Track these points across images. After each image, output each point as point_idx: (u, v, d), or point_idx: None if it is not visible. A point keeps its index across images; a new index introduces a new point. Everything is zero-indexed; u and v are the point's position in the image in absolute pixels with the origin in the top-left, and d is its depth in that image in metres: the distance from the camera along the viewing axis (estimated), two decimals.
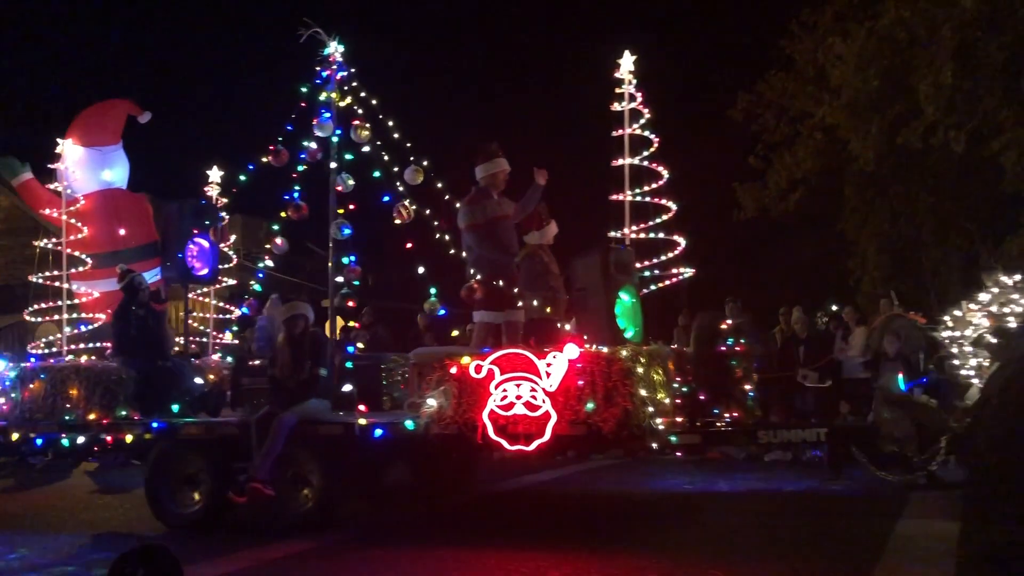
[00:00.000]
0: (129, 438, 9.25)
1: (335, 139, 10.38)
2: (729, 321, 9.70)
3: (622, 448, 8.86)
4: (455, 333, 11.73)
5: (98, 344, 10.63)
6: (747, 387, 9.21)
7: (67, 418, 9.33)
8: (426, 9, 50.07)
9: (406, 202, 9.85)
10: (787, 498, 10.32)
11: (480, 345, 9.02)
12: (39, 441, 9.73)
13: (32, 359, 10.20)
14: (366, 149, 10.32)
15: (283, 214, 10.42)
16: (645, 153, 10.02)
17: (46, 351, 10.82)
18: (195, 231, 10.77)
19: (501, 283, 9.10)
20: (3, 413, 9.62)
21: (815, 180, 21.21)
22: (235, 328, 12.43)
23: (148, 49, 53.01)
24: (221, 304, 12.63)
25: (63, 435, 9.45)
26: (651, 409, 7.82)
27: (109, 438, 9.39)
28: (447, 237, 9.71)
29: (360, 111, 10.38)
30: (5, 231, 22.39)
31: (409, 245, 9.89)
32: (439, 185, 9.97)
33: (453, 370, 8.15)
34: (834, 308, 15.58)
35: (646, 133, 10.01)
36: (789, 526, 8.56)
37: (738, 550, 7.62)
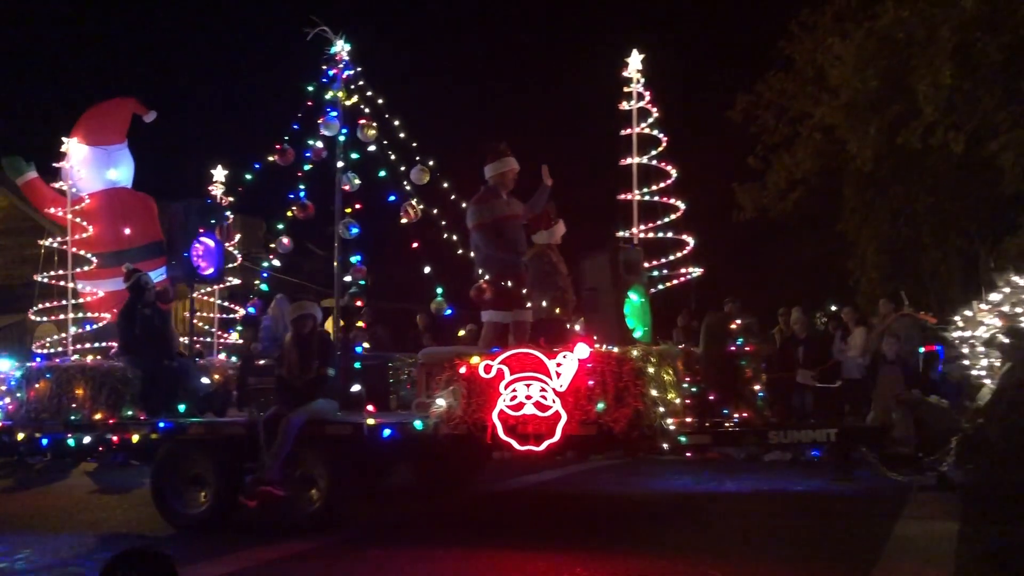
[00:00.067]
0: (135, 438, 9.21)
1: (342, 138, 10.37)
2: (739, 321, 9.67)
3: (632, 449, 8.80)
4: (462, 333, 11.70)
5: (103, 344, 10.58)
6: (756, 387, 9.19)
7: (73, 418, 9.28)
8: (432, 9, 50.10)
9: (413, 201, 9.83)
10: (787, 498, 10.31)
11: (488, 345, 8.99)
12: (45, 441, 9.69)
13: (38, 359, 10.14)
14: (372, 148, 10.31)
15: (289, 213, 10.40)
16: (653, 152, 9.99)
17: (51, 351, 10.77)
18: (201, 230, 10.72)
19: (510, 283, 9.07)
20: (9, 413, 9.58)
21: (814, 180, 21.24)
22: (239, 328, 12.41)
23: (153, 48, 53.01)
24: (225, 304, 12.59)
25: (69, 435, 9.41)
26: (662, 409, 7.77)
27: (115, 438, 9.35)
28: (454, 237, 9.69)
29: (367, 110, 10.37)
30: (4, 231, 22.29)
31: (413, 245, 9.87)
32: (445, 185, 9.95)
33: (462, 370, 8.09)
34: (833, 308, 15.61)
35: (654, 132, 9.99)
36: (789, 526, 8.54)
37: (737, 550, 7.60)
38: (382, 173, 10.10)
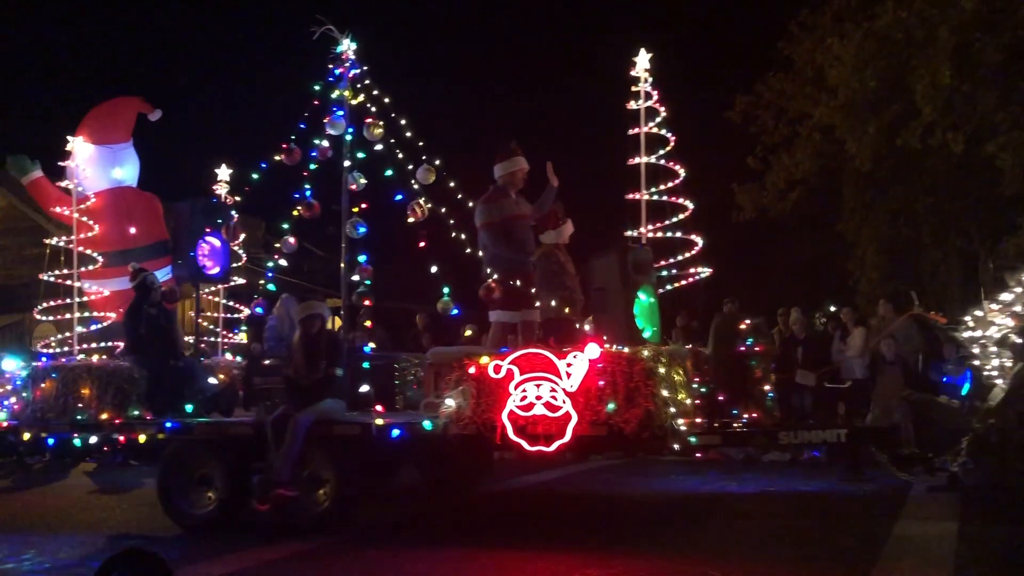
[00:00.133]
0: (142, 438, 9.17)
1: (348, 137, 10.34)
2: (748, 321, 9.65)
3: (642, 450, 8.78)
4: (468, 332, 11.67)
5: (109, 343, 10.54)
6: (766, 387, 9.16)
7: (79, 418, 9.24)
8: (437, 8, 50.04)
9: (421, 200, 9.81)
10: (787, 498, 10.29)
11: (496, 345, 8.97)
12: (51, 441, 9.65)
13: (43, 358, 10.10)
14: (379, 147, 10.28)
15: (295, 212, 10.37)
16: (661, 152, 9.97)
17: (57, 350, 10.73)
18: (207, 229, 10.68)
19: (519, 283, 9.04)
20: (15, 413, 9.54)
21: (814, 181, 21.25)
22: (244, 327, 12.36)
23: (158, 47, 52.93)
24: (230, 303, 12.55)
25: (75, 435, 9.38)
26: (673, 410, 7.75)
27: (122, 438, 9.33)
28: (463, 236, 9.66)
29: (373, 109, 10.34)
30: (3, 231, 22.24)
31: (416, 245, 9.84)
32: (451, 184, 9.92)
33: (472, 370, 8.06)
34: (832, 309, 15.61)
35: (662, 131, 9.97)
36: (789, 526, 8.53)
37: (737, 550, 7.59)
38: (389, 172, 10.07)
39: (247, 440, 8.84)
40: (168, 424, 9.00)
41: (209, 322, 12.33)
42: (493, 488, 11.22)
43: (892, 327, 11.10)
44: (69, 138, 11.06)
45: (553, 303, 9.29)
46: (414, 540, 8.43)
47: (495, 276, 9.08)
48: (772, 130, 21.95)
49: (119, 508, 10.68)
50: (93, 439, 9.33)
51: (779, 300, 15.40)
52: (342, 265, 10.27)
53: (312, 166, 10.42)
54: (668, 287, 9.83)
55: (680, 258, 9.91)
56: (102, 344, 10.62)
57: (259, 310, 10.93)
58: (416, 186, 9.90)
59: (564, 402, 7.75)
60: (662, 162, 9.97)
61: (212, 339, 12.07)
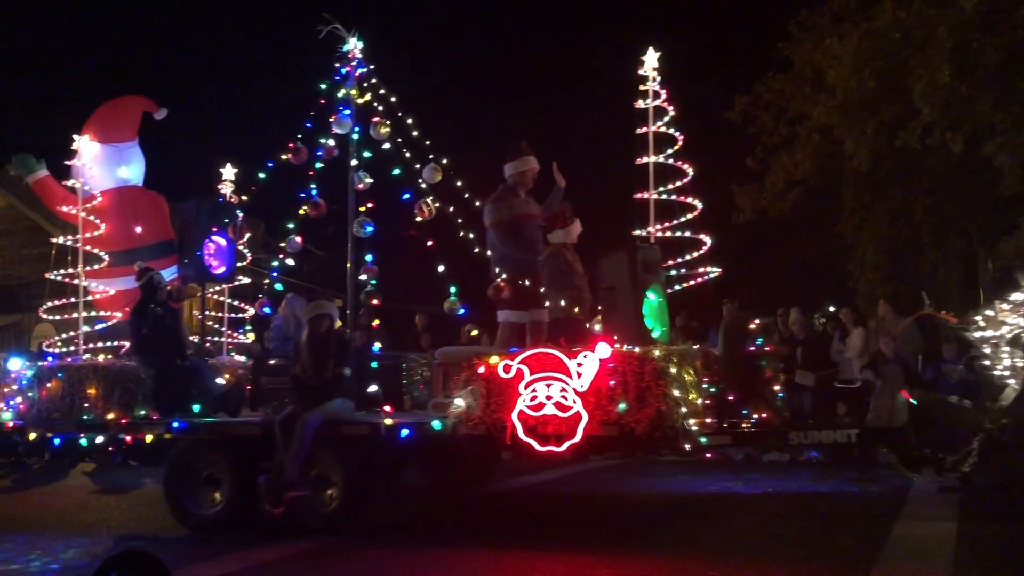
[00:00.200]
0: (149, 438, 9.14)
1: (354, 136, 10.32)
2: (758, 321, 9.63)
3: (654, 450, 8.75)
4: (475, 332, 11.64)
5: (114, 343, 10.52)
6: (776, 387, 9.13)
7: (85, 417, 9.21)
8: (444, 7, 49.98)
9: (428, 199, 9.78)
10: (787, 498, 10.26)
11: (505, 345, 8.93)
12: (57, 441, 9.62)
13: (49, 358, 10.07)
14: (386, 146, 10.26)
15: (302, 211, 10.35)
16: (669, 151, 9.95)
17: (62, 350, 10.69)
18: (213, 229, 10.65)
19: (527, 282, 9.01)
20: (20, 412, 9.50)
21: (813, 182, 21.19)
22: (248, 327, 12.33)
23: (164, 46, 52.91)
24: (236, 303, 12.52)
25: (81, 435, 9.35)
26: (684, 410, 7.71)
27: (128, 438, 9.29)
28: (470, 235, 9.63)
29: (379, 108, 10.31)
30: (3, 231, 22.23)
31: (412, 244, 9.82)
32: (458, 183, 9.89)
33: (481, 370, 8.03)
34: (832, 309, 15.57)
35: (670, 131, 9.94)
36: (788, 526, 8.51)
37: (737, 550, 7.56)
38: (396, 171, 10.05)
39: (254, 440, 8.80)
40: (175, 424, 8.96)
41: (214, 321, 12.30)
42: (492, 488, 11.19)
43: (902, 327, 11.08)
44: (75, 137, 11.04)
45: (562, 303, 9.25)
46: (415, 540, 8.41)
47: (503, 276, 9.04)
48: (772, 131, 21.91)
49: (119, 508, 10.66)
50: (99, 439, 9.28)
51: (779, 300, 15.36)
52: (348, 265, 10.24)
53: (318, 165, 10.39)
54: (677, 287, 9.79)
55: (688, 257, 9.87)
56: (107, 344, 10.59)
57: (266, 310, 10.89)
58: (423, 185, 9.87)
59: (575, 402, 7.72)
60: (670, 161, 9.94)
61: (217, 339, 12.03)
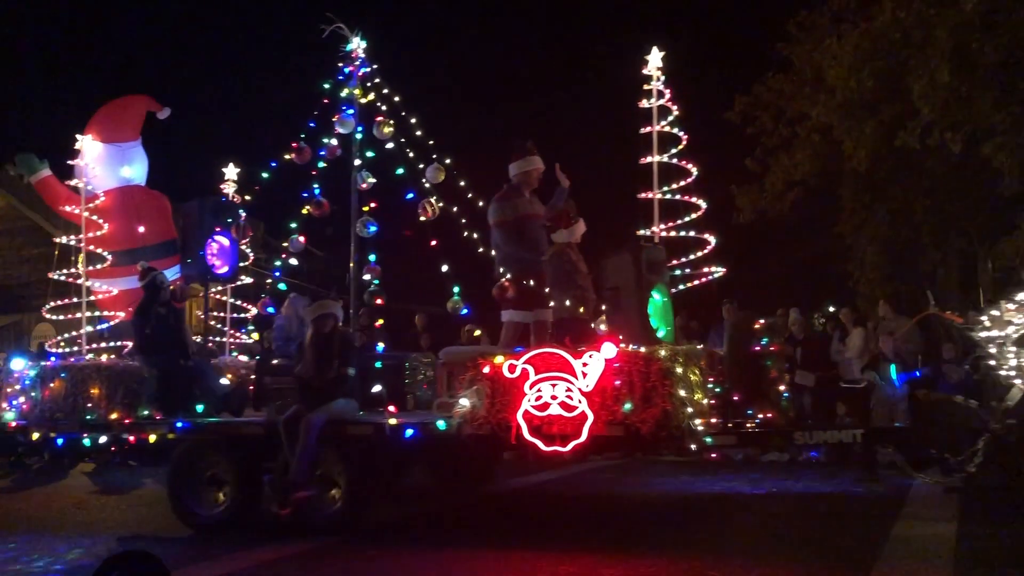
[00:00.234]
0: (152, 438, 9.11)
1: (358, 136, 10.30)
2: (762, 321, 9.62)
3: (659, 450, 8.73)
4: (478, 332, 11.62)
5: (117, 343, 10.50)
6: (781, 388, 9.13)
7: (88, 418, 9.18)
8: (447, 7, 49.93)
9: (432, 199, 9.76)
10: (787, 498, 10.25)
11: (509, 345, 8.92)
12: (60, 441, 9.59)
13: (52, 358, 10.05)
14: (389, 146, 10.24)
15: (305, 211, 10.33)
16: (674, 150, 9.94)
17: (65, 349, 10.68)
18: (216, 228, 10.63)
19: (531, 282, 9.00)
20: (23, 412, 9.48)
21: (813, 182, 21.20)
22: (251, 327, 12.31)
23: (167, 45, 52.90)
24: (239, 303, 12.51)
25: (84, 435, 9.33)
26: (690, 410, 7.71)
27: (132, 438, 9.26)
28: (474, 235, 9.61)
29: (383, 107, 10.29)
30: (2, 231, 22.22)
31: (413, 243, 9.81)
32: (461, 183, 9.88)
33: (486, 370, 8.00)
34: (831, 309, 15.56)
35: (674, 130, 9.93)
36: (789, 526, 8.51)
37: (737, 550, 7.54)
38: (400, 171, 10.03)
39: (258, 440, 8.77)
40: (178, 424, 8.94)
41: (217, 321, 12.28)
42: (492, 489, 11.17)
43: (906, 328, 11.08)
44: (78, 136, 11.02)
45: (566, 303, 9.23)
46: (415, 540, 8.39)
47: (508, 275, 9.03)
48: (771, 131, 21.91)
49: (119, 508, 10.64)
50: (103, 439, 9.26)
51: (778, 301, 15.36)
52: (351, 264, 10.23)
53: (321, 165, 10.37)
54: (681, 287, 9.79)
55: (693, 257, 9.87)
56: (110, 344, 10.58)
57: (270, 310, 10.87)
58: (427, 185, 9.86)
59: (580, 402, 7.69)
60: (674, 161, 9.93)
61: (219, 339, 12.02)
